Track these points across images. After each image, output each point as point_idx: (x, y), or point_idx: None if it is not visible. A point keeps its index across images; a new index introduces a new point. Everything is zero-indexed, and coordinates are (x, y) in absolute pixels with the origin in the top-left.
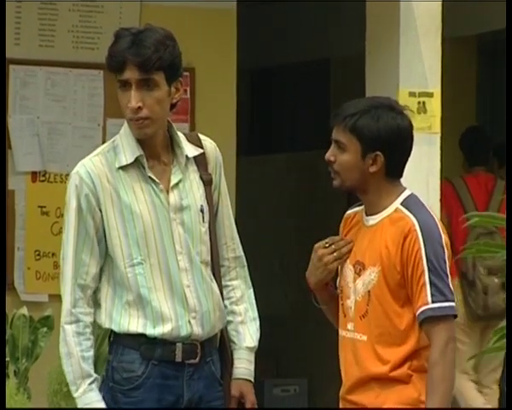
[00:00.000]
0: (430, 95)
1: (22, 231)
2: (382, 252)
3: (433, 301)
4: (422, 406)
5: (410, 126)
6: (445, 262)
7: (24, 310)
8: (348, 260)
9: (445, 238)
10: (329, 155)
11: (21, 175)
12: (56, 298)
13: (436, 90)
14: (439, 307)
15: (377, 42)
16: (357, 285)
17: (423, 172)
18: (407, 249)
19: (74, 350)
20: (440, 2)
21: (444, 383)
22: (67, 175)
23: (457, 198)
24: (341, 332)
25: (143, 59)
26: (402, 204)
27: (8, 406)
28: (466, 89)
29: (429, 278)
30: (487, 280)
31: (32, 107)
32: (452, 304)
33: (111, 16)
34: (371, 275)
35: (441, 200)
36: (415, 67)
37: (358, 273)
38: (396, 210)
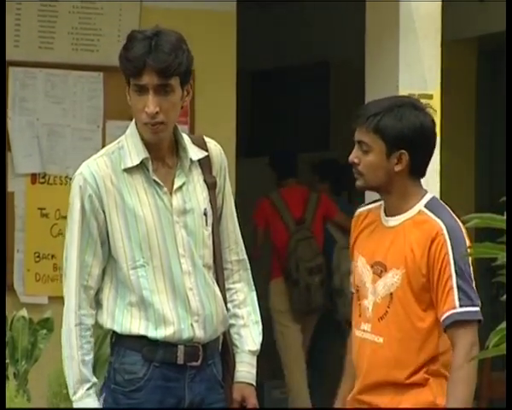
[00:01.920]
0: (430, 97)
1: (22, 233)
2: (407, 255)
3: (460, 306)
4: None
5: (433, 124)
6: (470, 266)
7: (23, 312)
8: (365, 260)
9: (468, 243)
10: (353, 157)
11: (21, 177)
12: (56, 300)
13: (436, 91)
14: (466, 312)
15: (377, 44)
16: (377, 287)
17: None
18: (434, 253)
19: (76, 353)
20: (440, 4)
21: (467, 386)
22: (67, 177)
23: (276, 211)
24: (356, 332)
25: (165, 65)
26: (425, 207)
27: (7, 407)
28: (466, 91)
29: (457, 282)
30: (309, 279)
31: (31, 108)
32: (478, 309)
33: (110, 18)
34: (394, 277)
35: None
36: (414, 68)
37: (379, 275)
38: (419, 212)
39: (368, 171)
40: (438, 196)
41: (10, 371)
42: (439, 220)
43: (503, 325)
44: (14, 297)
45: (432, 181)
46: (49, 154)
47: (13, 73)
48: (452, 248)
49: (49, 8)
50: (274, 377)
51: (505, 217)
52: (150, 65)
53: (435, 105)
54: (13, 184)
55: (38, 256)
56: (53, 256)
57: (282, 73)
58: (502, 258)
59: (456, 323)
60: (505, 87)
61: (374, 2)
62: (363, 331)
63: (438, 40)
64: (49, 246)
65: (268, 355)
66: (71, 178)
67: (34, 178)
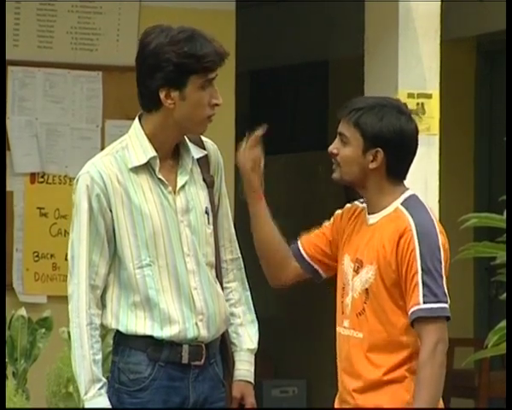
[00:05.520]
0: (429, 96)
1: (21, 233)
2: (379, 251)
3: (424, 302)
4: None
5: (416, 130)
6: (441, 263)
7: (22, 311)
8: (350, 258)
9: (442, 239)
10: (333, 147)
11: (20, 176)
12: (55, 299)
13: (435, 91)
14: (429, 308)
15: (376, 43)
16: (354, 283)
17: (422, 174)
18: (402, 249)
19: (88, 353)
20: (439, 4)
21: (431, 384)
22: (66, 176)
23: None
24: (338, 329)
25: (226, 57)
26: (402, 204)
27: (6, 407)
28: (465, 90)
29: (422, 278)
30: None
31: (30, 108)
32: (444, 305)
33: (110, 18)
34: (368, 273)
35: (439, 201)
36: (413, 68)
37: (356, 271)
38: (395, 210)
39: (344, 164)
40: (437, 197)
41: (9, 370)
42: (409, 217)
43: (502, 324)
44: (13, 296)
45: (430, 182)
46: (48, 153)
47: (12, 73)
48: (420, 244)
49: (48, 8)
50: (273, 377)
51: (505, 216)
52: (222, 58)
53: (434, 105)
54: (12, 184)
55: (37, 256)
56: (52, 256)
57: (281, 73)
58: (501, 257)
59: (421, 319)
60: (505, 86)
61: (373, 1)
62: (343, 328)
63: (437, 40)
64: (48, 245)
65: (268, 354)
66: (70, 178)
67: (33, 177)
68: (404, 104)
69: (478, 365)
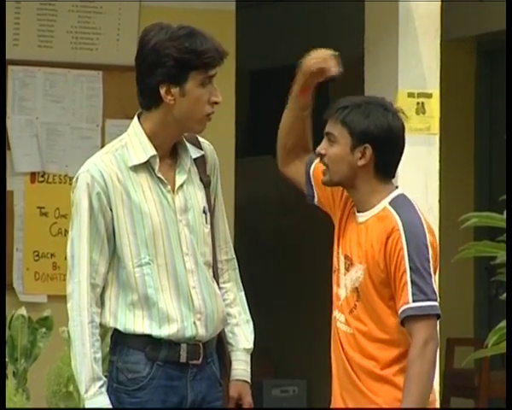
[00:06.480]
0: (429, 96)
1: (21, 232)
2: (368, 250)
3: (413, 301)
4: None
5: (402, 127)
6: (429, 261)
7: (23, 311)
8: (341, 249)
9: (430, 238)
10: (320, 148)
11: (20, 176)
12: (55, 299)
13: (435, 90)
14: (419, 307)
15: (376, 43)
16: (346, 280)
17: (422, 173)
18: (390, 248)
19: (89, 351)
20: (439, 4)
21: (421, 381)
22: (66, 176)
23: None
24: (333, 313)
25: (225, 56)
26: (390, 203)
27: (6, 407)
28: (465, 90)
29: (411, 277)
30: None
31: (30, 107)
32: (434, 303)
33: (110, 17)
34: (358, 273)
35: (440, 201)
36: (413, 67)
37: (347, 269)
38: (384, 209)
39: (332, 163)
40: (437, 196)
41: (9, 369)
42: (396, 216)
43: (502, 323)
44: (14, 296)
45: (430, 182)
46: (49, 153)
47: (12, 72)
48: (407, 244)
49: (49, 7)
50: (274, 376)
51: (505, 216)
52: (222, 55)
53: (434, 104)
54: (12, 183)
55: (38, 255)
56: (52, 255)
57: (281, 73)
58: (501, 256)
59: (411, 318)
60: (505, 86)
61: (373, 1)
62: (335, 318)
63: (437, 39)
64: (49, 245)
65: (268, 354)
66: (70, 177)
67: (33, 177)
68: (390, 102)
69: (478, 364)
